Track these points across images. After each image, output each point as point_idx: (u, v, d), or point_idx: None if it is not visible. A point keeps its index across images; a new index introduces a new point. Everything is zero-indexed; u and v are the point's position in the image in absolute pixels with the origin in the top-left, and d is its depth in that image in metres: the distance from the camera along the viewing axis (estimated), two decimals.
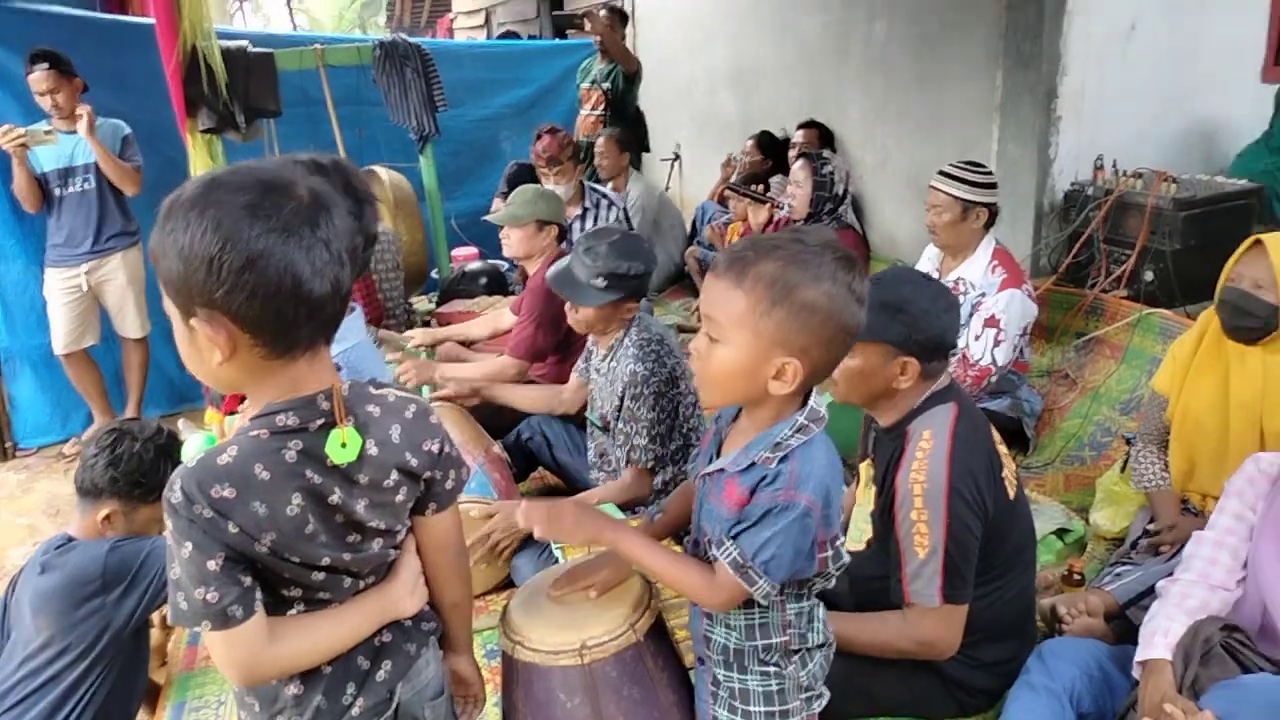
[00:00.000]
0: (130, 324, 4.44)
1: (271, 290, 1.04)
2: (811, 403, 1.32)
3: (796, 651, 1.41)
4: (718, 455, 1.40)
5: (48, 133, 4.03)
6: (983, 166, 3.19)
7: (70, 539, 2.06)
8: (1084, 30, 3.75)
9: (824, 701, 1.45)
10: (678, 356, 2.73)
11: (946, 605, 1.76)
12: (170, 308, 1.10)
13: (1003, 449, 1.92)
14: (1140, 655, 1.77)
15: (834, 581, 1.40)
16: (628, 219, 4.81)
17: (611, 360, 2.77)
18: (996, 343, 3.03)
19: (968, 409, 1.87)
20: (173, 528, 1.11)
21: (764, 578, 1.27)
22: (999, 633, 1.94)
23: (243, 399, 3.50)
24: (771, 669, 1.40)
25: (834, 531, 1.34)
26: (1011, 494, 1.89)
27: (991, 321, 3.04)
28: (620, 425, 2.71)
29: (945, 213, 3.16)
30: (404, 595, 1.29)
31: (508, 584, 2.80)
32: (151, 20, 3.99)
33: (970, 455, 1.79)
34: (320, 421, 1.15)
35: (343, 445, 1.14)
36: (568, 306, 2.79)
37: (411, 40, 4.99)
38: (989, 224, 3.18)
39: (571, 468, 3.21)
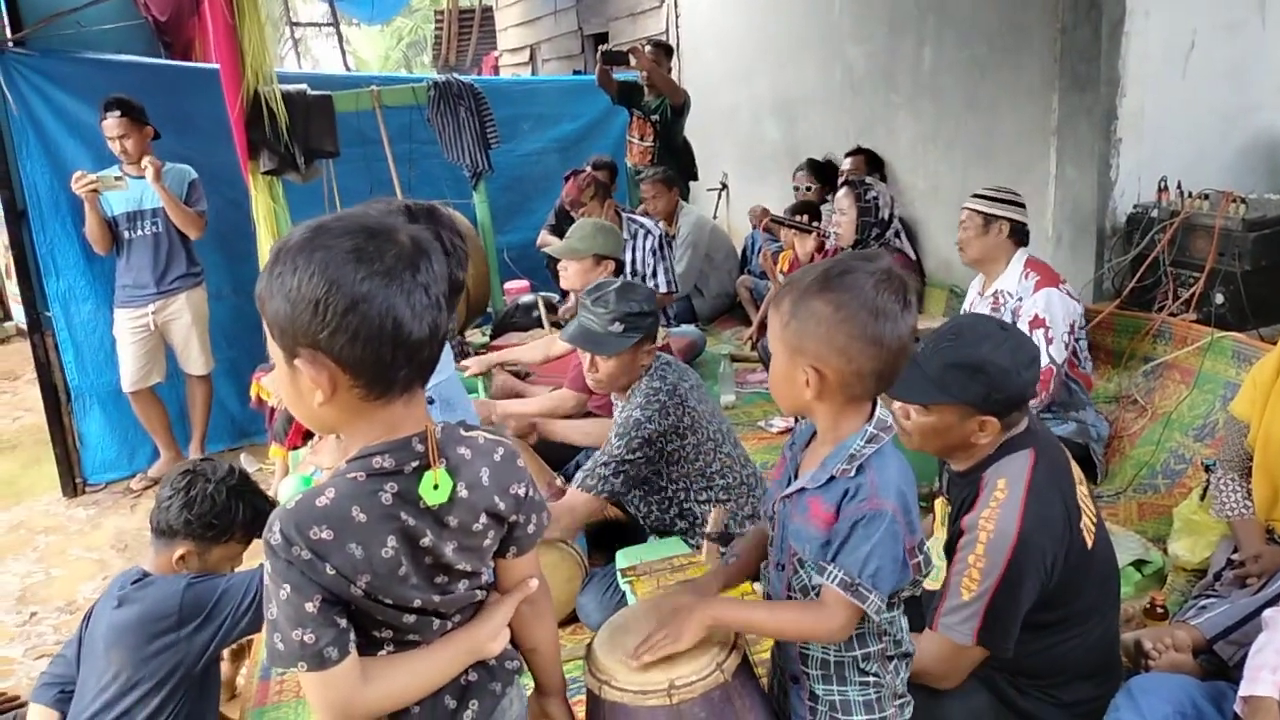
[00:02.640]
0: (194, 361, 4.54)
1: (373, 332, 1.06)
2: (878, 413, 1.38)
3: (892, 658, 1.44)
4: (795, 478, 1.44)
5: (118, 179, 4.16)
6: (1011, 190, 3.36)
7: (146, 574, 2.08)
8: (1142, 50, 3.71)
9: (912, 708, 1.48)
10: (691, 409, 2.63)
11: (977, 648, 1.74)
12: (274, 349, 1.12)
13: (1083, 490, 1.87)
14: (1245, 690, 1.70)
15: (920, 589, 1.42)
16: (664, 245, 4.84)
17: (622, 411, 2.69)
18: (1048, 341, 3.11)
19: (1047, 453, 1.82)
20: (271, 569, 1.12)
21: (874, 591, 1.31)
22: (1082, 672, 1.89)
23: (306, 435, 3.57)
24: (871, 678, 1.43)
25: (919, 537, 1.37)
26: (1090, 542, 1.83)
27: (1037, 322, 3.13)
28: (598, 456, 2.63)
29: (969, 228, 3.34)
30: (490, 636, 1.29)
31: (571, 619, 2.80)
32: (216, 66, 4.11)
33: (1044, 509, 1.75)
34: (415, 464, 1.15)
35: (435, 487, 1.14)
36: (586, 370, 2.71)
37: (464, 79, 5.07)
38: (1016, 239, 3.30)
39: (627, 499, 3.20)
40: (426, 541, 1.17)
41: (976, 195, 3.37)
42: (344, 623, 1.14)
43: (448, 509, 1.18)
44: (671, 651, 1.41)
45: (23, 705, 2.43)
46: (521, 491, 1.26)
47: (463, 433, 1.25)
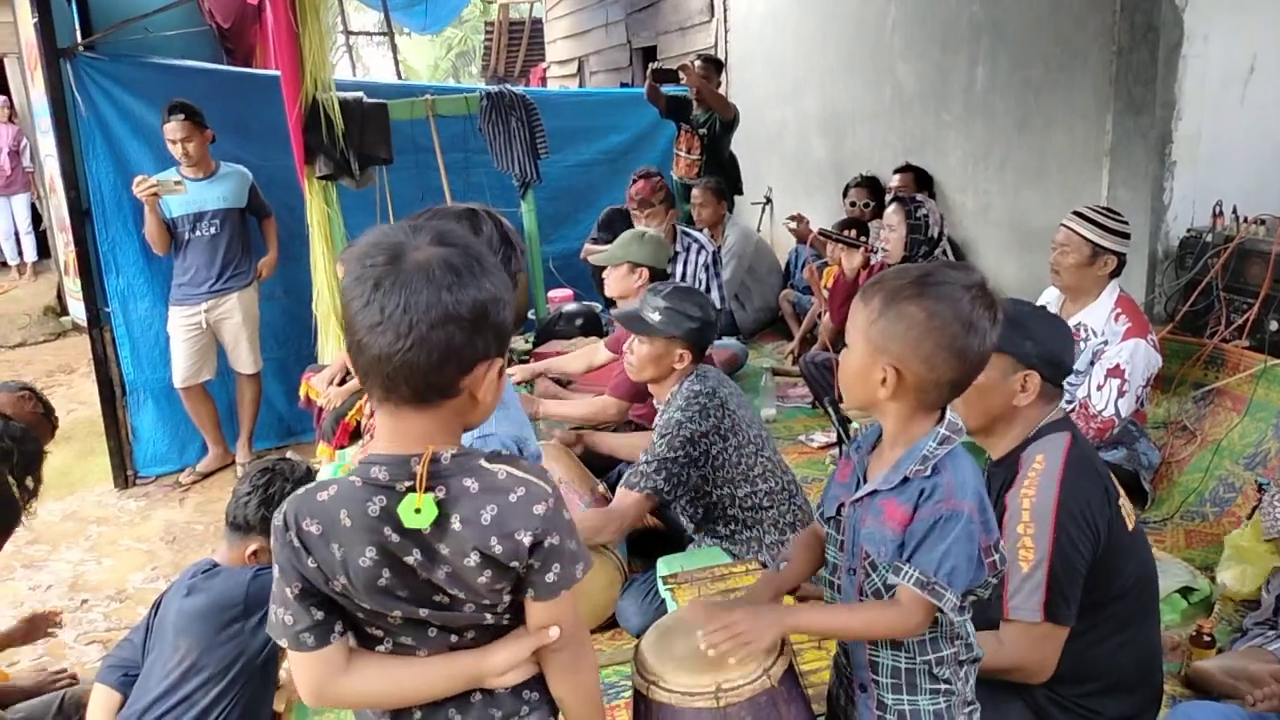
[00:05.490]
0: (244, 360, 4.64)
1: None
2: (949, 416, 1.39)
3: (963, 663, 1.43)
4: (863, 482, 1.44)
5: (177, 183, 4.27)
6: (1120, 215, 3.12)
7: (215, 564, 2.15)
8: (1200, 74, 3.67)
9: (979, 714, 1.47)
10: (731, 412, 2.67)
11: (1047, 624, 1.72)
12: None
13: (1124, 497, 1.88)
14: None
15: (990, 591, 1.42)
16: (717, 262, 4.85)
17: (663, 415, 2.73)
18: (1120, 394, 2.94)
19: (1081, 439, 1.86)
20: (272, 546, 1.18)
21: (949, 589, 1.31)
22: (1119, 684, 1.87)
23: (353, 435, 3.63)
24: (942, 686, 1.41)
25: (995, 536, 1.37)
26: (1130, 525, 1.86)
27: (1115, 372, 2.95)
28: (641, 456, 2.66)
29: (1072, 254, 3.08)
30: (497, 668, 1.23)
31: (611, 624, 2.82)
32: (276, 72, 4.21)
33: (1083, 478, 1.78)
34: (408, 484, 1.13)
35: (416, 511, 1.11)
36: (625, 350, 2.80)
37: (516, 90, 5.15)
38: (1115, 273, 3.10)
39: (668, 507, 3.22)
40: (412, 561, 1.14)
41: (1086, 218, 3.06)
42: (320, 615, 1.17)
43: (438, 536, 1.14)
44: (745, 650, 1.38)
45: (76, 683, 2.52)
46: (528, 540, 1.14)
47: (484, 464, 1.17)
